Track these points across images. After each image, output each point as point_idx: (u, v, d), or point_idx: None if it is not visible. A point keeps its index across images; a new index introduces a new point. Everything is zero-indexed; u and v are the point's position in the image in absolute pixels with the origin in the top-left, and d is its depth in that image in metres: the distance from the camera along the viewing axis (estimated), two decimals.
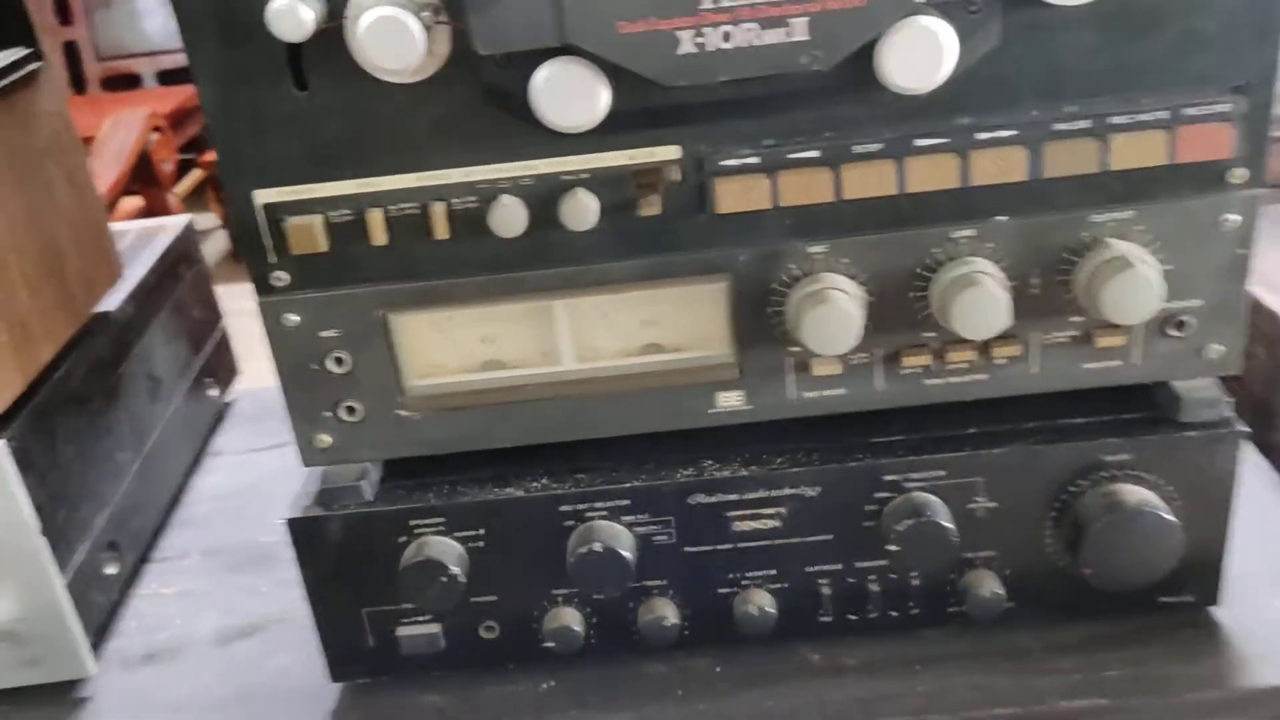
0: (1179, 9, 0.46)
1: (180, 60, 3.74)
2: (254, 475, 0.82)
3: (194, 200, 3.69)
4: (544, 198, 0.50)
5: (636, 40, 0.43)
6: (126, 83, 4.11)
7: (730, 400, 0.55)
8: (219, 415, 0.88)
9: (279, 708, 0.59)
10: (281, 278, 0.52)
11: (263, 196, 0.50)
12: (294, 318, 0.53)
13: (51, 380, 0.62)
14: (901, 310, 0.52)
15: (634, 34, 0.43)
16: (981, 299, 0.49)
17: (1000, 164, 0.49)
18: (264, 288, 0.52)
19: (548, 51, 0.45)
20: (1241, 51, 0.47)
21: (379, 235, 0.51)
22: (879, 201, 0.50)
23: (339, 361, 0.54)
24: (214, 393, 0.87)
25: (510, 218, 0.50)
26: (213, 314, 0.88)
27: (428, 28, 0.45)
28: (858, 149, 0.49)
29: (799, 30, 0.43)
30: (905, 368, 0.53)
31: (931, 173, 0.49)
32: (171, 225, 0.84)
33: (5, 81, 0.60)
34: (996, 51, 0.47)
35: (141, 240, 0.81)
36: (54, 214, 0.64)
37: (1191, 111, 0.48)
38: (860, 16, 0.43)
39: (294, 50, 0.47)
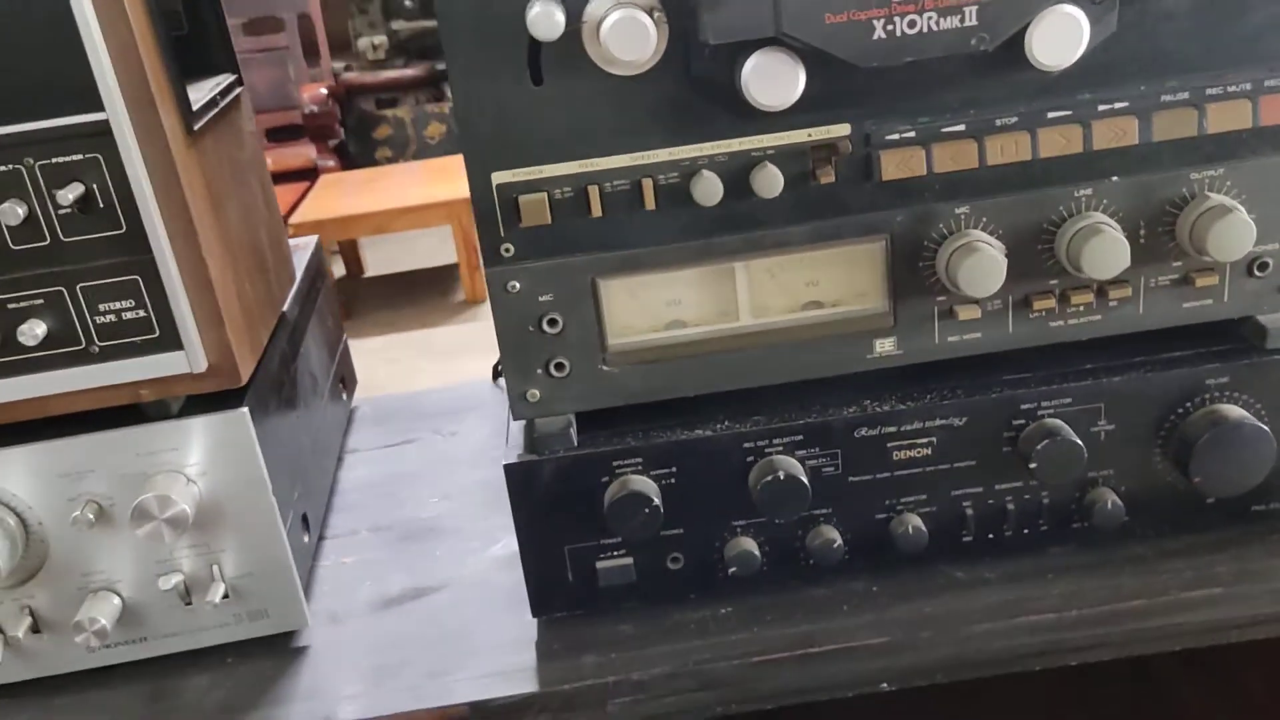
0: (1260, 0, 0.57)
1: None
2: (391, 467, 0.89)
3: None
4: (736, 171, 0.59)
5: (839, 29, 0.53)
6: None
7: (885, 346, 0.64)
8: (348, 420, 0.96)
9: (488, 641, 0.66)
10: (509, 249, 0.60)
11: (499, 178, 0.59)
12: (516, 284, 0.61)
13: (261, 364, 0.69)
14: (1031, 261, 0.62)
15: (837, 24, 0.53)
16: (1107, 243, 0.59)
17: (1116, 131, 0.59)
18: (493, 259, 0.60)
19: (750, 44, 0.55)
20: None
21: (596, 209, 0.59)
22: (1015, 167, 0.60)
23: (552, 323, 0.62)
24: (344, 396, 0.94)
25: (710, 189, 0.59)
26: (338, 325, 0.96)
27: (655, 25, 0.54)
28: (999, 122, 0.59)
29: (970, 17, 0.53)
30: (1034, 311, 0.63)
31: (1059, 140, 0.59)
32: (306, 243, 0.92)
33: (225, 102, 0.68)
34: (1114, 36, 0.57)
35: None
36: (257, 220, 0.72)
37: (1271, 83, 0.59)
38: (1019, 4, 0.53)
39: (534, 50, 0.57)
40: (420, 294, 3.79)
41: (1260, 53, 0.58)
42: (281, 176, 3.99)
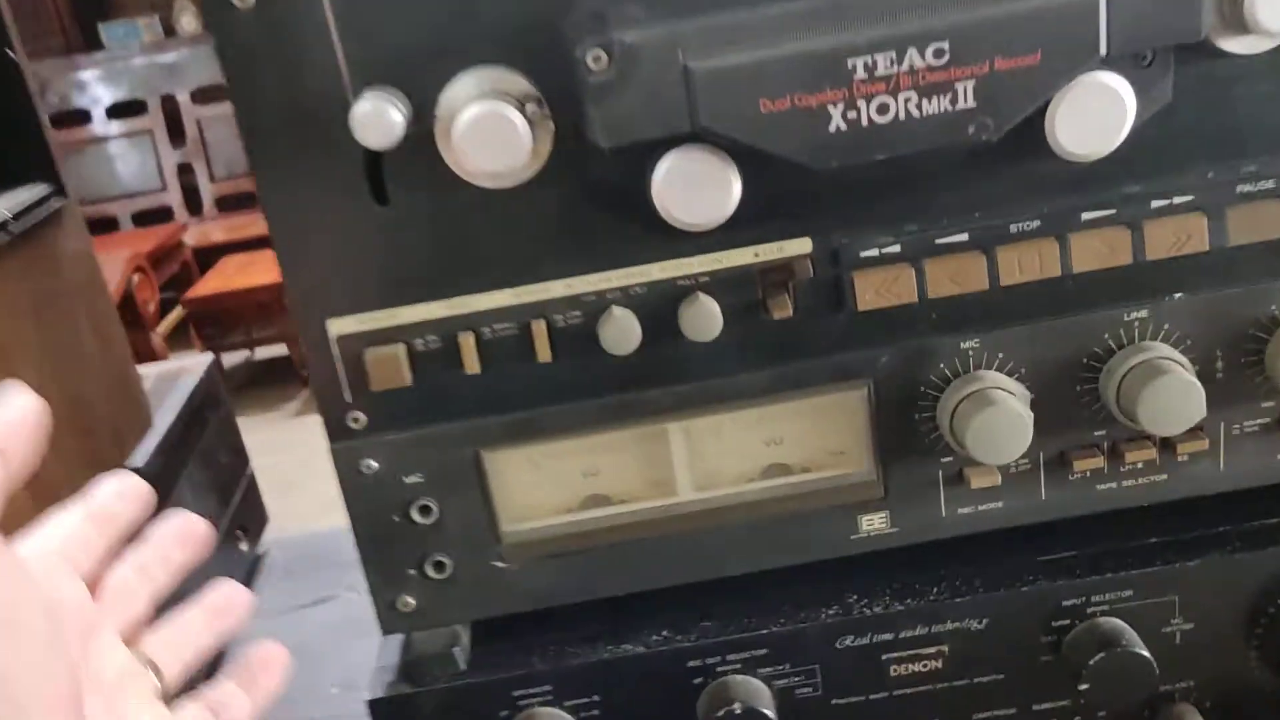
0: None
1: (157, 201, 3.70)
2: (297, 638, 0.72)
3: (177, 338, 3.63)
4: (660, 307, 0.44)
5: (780, 120, 0.38)
6: (103, 226, 4.09)
7: (874, 523, 0.48)
8: (251, 570, 0.80)
9: None
10: (359, 419, 0.45)
11: (338, 326, 0.44)
12: (373, 464, 0.46)
13: None
14: (1068, 407, 0.46)
15: (777, 113, 0.38)
16: (1173, 387, 0.43)
17: (1178, 234, 0.43)
18: (338, 431, 0.45)
19: (666, 141, 0.39)
20: None
21: (472, 363, 0.44)
22: (1040, 286, 0.44)
23: (425, 511, 0.46)
24: (245, 546, 0.79)
25: (622, 332, 0.43)
26: (240, 460, 0.81)
27: (531, 123, 0.39)
28: (1015, 227, 0.43)
29: (965, 97, 0.38)
30: (1075, 473, 0.47)
31: (1099, 249, 0.43)
32: (194, 366, 0.77)
33: (31, 220, 0.54)
34: (1168, 108, 0.41)
35: (164, 384, 0.74)
36: (81, 361, 0.57)
37: None
38: (1033, 77, 0.38)
39: (374, 159, 0.42)
40: None
41: None
42: (243, 245, 3.79)
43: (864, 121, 0.38)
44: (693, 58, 0.37)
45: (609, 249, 0.43)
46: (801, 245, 0.44)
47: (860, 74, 0.37)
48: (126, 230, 4.14)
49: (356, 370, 0.44)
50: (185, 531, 0.41)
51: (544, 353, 0.44)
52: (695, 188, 0.40)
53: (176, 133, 4.13)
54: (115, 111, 4.11)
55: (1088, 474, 0.47)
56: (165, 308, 3.60)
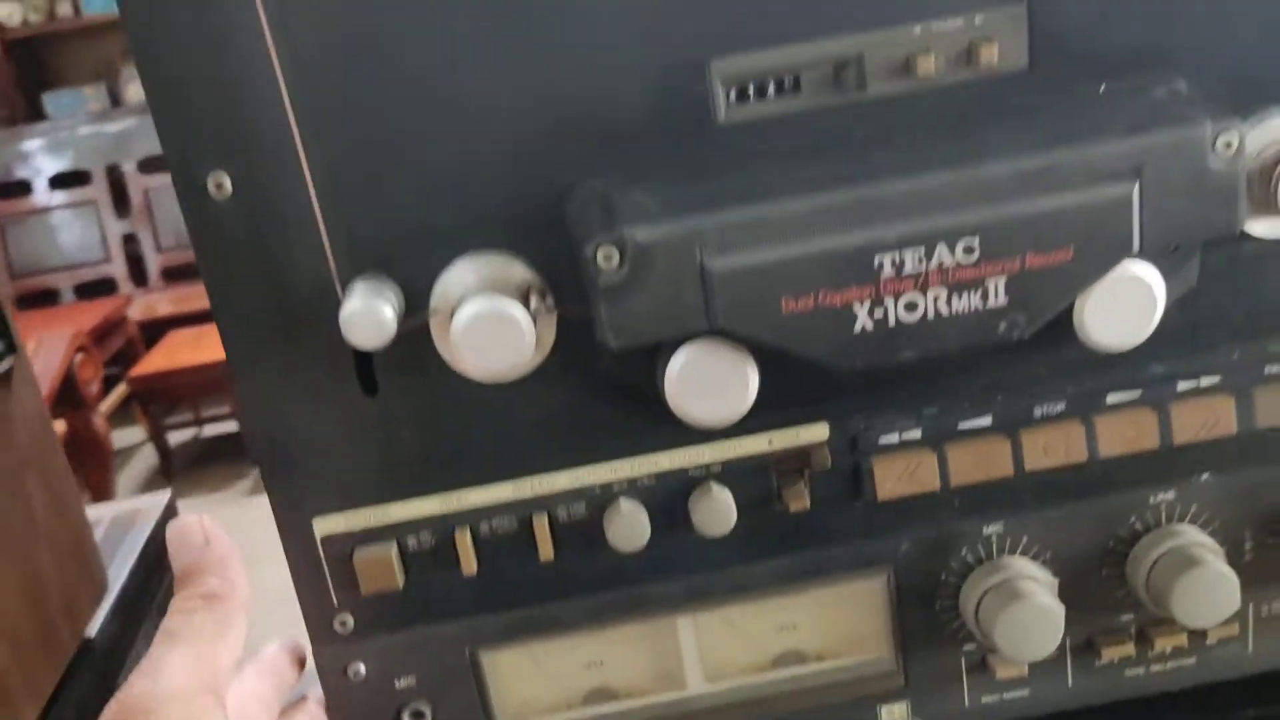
0: None
1: (100, 272, 3.54)
2: None
3: (119, 415, 3.53)
4: (668, 497, 0.41)
5: (804, 320, 0.36)
6: (43, 299, 3.99)
7: (895, 714, 0.45)
8: None
9: None
10: (346, 622, 0.42)
11: (324, 526, 0.41)
12: (361, 668, 0.42)
13: None
14: (1094, 592, 0.44)
15: (799, 314, 0.35)
16: (1208, 581, 0.41)
17: (1205, 416, 0.42)
18: (324, 635, 0.42)
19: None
20: None
21: (469, 563, 0.41)
22: (1064, 469, 0.42)
23: (418, 716, 0.43)
24: None
25: (631, 527, 0.41)
26: None
27: (534, 317, 0.37)
28: (1039, 411, 0.42)
29: (996, 294, 0.36)
30: (1102, 660, 0.45)
31: (1126, 432, 0.42)
32: (150, 509, 0.73)
33: None
34: (1193, 292, 0.40)
35: (117, 532, 0.70)
36: (33, 535, 0.53)
37: None
38: (1066, 273, 0.36)
39: (362, 352, 0.39)
40: None
41: None
42: (190, 319, 3.69)
43: (891, 321, 0.36)
44: (710, 256, 0.35)
45: (615, 439, 0.41)
46: (818, 431, 0.41)
47: (888, 271, 0.35)
48: (68, 303, 4.03)
49: (344, 572, 0.41)
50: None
51: (546, 550, 0.41)
52: (711, 386, 0.37)
53: (121, 202, 4.05)
54: (59, 181, 4.02)
55: (1115, 660, 0.45)
56: (110, 382, 3.50)
